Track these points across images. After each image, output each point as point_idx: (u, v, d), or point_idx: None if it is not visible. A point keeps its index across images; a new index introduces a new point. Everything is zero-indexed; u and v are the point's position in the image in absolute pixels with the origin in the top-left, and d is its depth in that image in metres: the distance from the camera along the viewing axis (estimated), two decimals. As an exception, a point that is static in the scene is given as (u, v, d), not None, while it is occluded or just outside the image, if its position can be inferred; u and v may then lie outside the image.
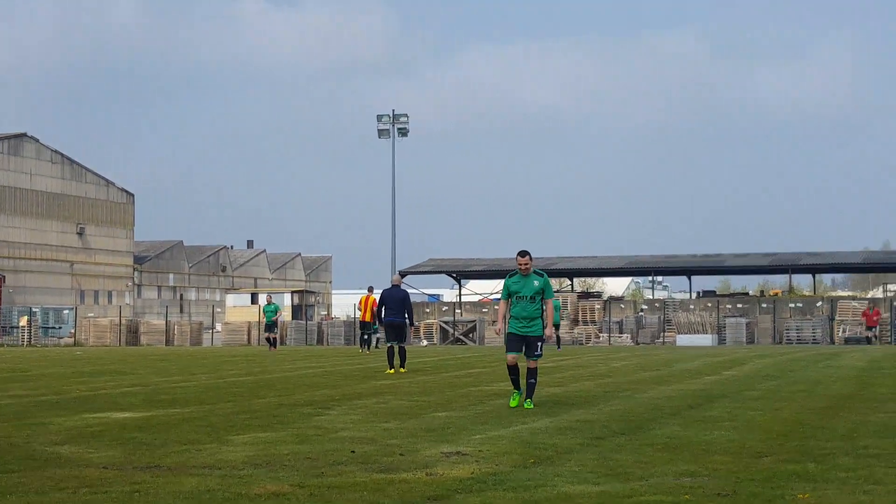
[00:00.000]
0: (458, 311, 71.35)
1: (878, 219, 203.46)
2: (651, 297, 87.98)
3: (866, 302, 67.45)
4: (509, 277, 15.56)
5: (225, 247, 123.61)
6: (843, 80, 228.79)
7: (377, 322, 26.09)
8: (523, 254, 15.27)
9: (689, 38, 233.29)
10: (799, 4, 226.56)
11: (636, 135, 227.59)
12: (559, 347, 48.14)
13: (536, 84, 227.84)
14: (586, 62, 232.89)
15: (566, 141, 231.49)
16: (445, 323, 67.28)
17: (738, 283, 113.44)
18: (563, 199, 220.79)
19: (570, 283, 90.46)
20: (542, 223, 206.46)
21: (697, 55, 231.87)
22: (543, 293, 15.38)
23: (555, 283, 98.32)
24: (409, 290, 28.70)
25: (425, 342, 48.25)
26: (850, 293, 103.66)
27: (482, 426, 12.86)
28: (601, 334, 66.62)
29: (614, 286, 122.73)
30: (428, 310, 72.18)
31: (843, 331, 63.74)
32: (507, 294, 15.57)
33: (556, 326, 48.69)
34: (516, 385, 15.59)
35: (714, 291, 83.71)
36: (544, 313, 15.43)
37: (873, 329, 60.19)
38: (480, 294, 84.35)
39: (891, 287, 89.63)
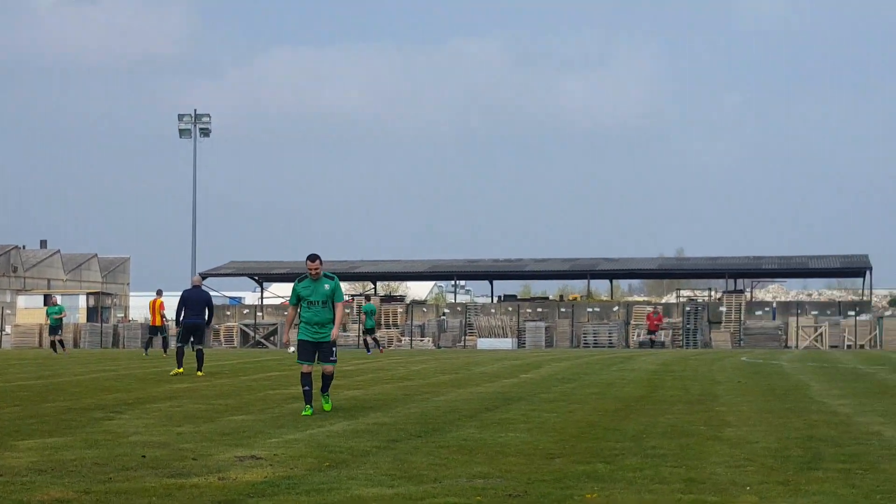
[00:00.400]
0: (259, 314, 70.73)
1: (672, 227, 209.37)
2: (454, 301, 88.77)
3: (659, 307, 69.32)
4: (298, 282, 15.17)
5: (16, 246, 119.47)
6: (641, 91, 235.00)
7: (176, 323, 25.55)
8: (313, 258, 14.88)
9: (493, 45, 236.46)
10: (600, 16, 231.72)
11: (439, 140, 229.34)
12: (381, 349, 48.12)
13: (341, 88, 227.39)
14: (390, 67, 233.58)
15: (370, 145, 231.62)
16: (246, 326, 66.65)
17: (538, 287, 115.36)
18: (367, 203, 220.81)
19: (373, 286, 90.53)
20: (345, 227, 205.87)
21: (502, 63, 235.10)
22: (334, 296, 15.05)
23: (358, 286, 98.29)
24: (210, 293, 28.21)
25: (292, 349, 46.88)
26: (646, 298, 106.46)
27: (278, 430, 12.75)
28: (403, 338, 66.89)
29: (417, 290, 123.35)
30: (229, 312, 71.34)
31: (638, 335, 65.42)
32: (297, 300, 15.24)
33: (372, 330, 48.82)
34: (308, 399, 14.89)
35: (515, 296, 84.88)
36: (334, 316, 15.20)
37: (655, 333, 61.62)
38: (283, 297, 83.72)
39: (684, 293, 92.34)
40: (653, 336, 61.62)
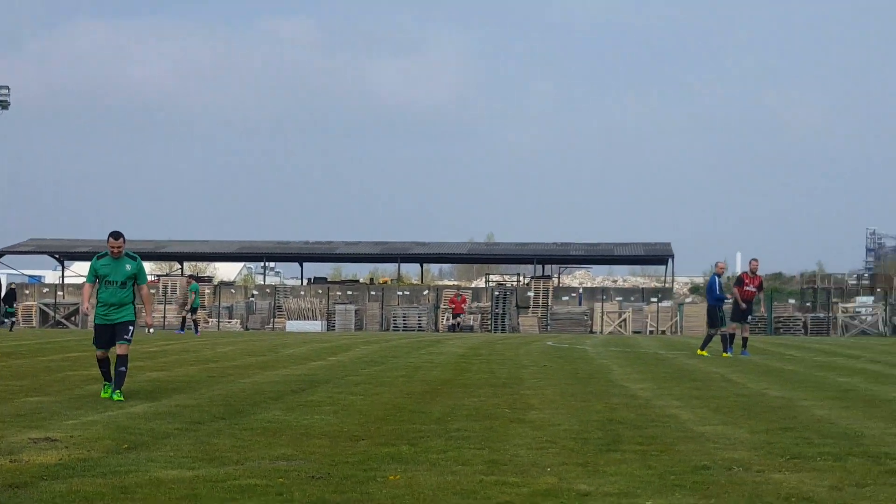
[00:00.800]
0: (60, 293, 68.97)
1: (483, 212, 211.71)
2: (263, 282, 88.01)
3: (461, 291, 70.01)
4: (97, 259, 14.43)
5: None
6: (453, 77, 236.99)
7: None
8: (116, 235, 14.21)
9: (304, 26, 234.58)
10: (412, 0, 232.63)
11: (249, 121, 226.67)
12: (197, 332, 47.37)
13: (147, 64, 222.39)
14: (199, 45, 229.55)
15: (179, 123, 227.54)
16: (46, 305, 64.94)
17: (348, 270, 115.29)
18: (174, 182, 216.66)
19: (180, 267, 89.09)
20: (152, 205, 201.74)
21: (313, 44, 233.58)
22: (136, 278, 14.43)
23: (165, 266, 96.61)
24: (8, 272, 27.38)
25: (152, 330, 45.72)
26: (456, 282, 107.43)
27: (76, 411, 12.44)
28: (210, 319, 66.06)
29: (226, 271, 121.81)
30: (28, 291, 69.34)
31: (447, 319, 65.97)
32: (94, 277, 14.45)
33: (195, 310, 48.40)
34: (107, 377, 14.44)
35: (325, 278, 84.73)
36: (137, 299, 14.59)
37: (459, 316, 62.43)
38: (85, 276, 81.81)
39: (493, 277, 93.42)
40: (457, 320, 62.23)
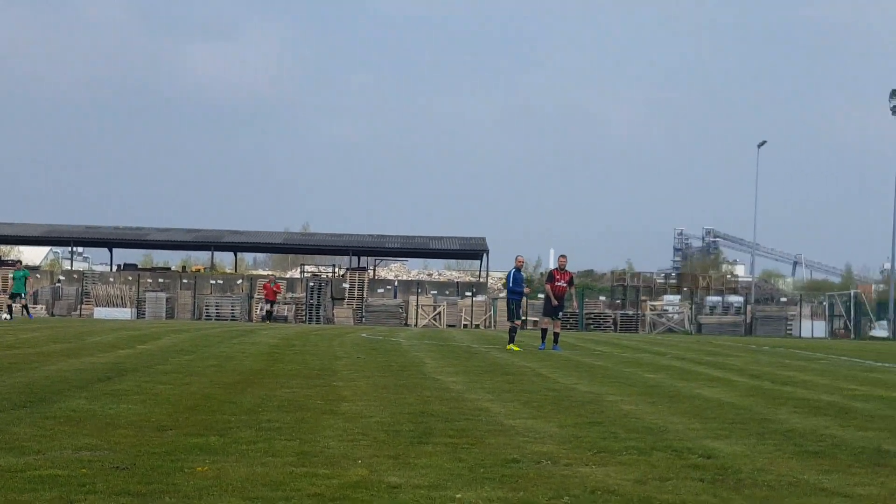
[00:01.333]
0: None
1: (299, 202, 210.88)
2: (70, 268, 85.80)
3: (275, 277, 69.56)
4: None
5: None
6: (270, 65, 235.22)
7: None
8: None
9: (118, 10, 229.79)
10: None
11: (61, 101, 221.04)
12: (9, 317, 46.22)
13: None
14: (14, 26, 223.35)
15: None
16: None
17: (160, 257, 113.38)
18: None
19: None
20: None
21: (128, 29, 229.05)
22: None
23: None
24: None
25: (6, 316, 44.37)
26: (271, 272, 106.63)
27: None
28: (15, 304, 64.14)
29: (31, 255, 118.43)
30: None
31: (261, 308, 65.45)
32: None
33: (19, 295, 47.58)
34: None
35: (136, 265, 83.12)
36: None
37: (273, 304, 60.53)
38: None
39: (308, 268, 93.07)
40: (270, 307, 60.40)
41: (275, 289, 60.41)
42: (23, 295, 47.78)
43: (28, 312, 46.92)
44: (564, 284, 29.35)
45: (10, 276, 48.72)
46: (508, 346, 28.15)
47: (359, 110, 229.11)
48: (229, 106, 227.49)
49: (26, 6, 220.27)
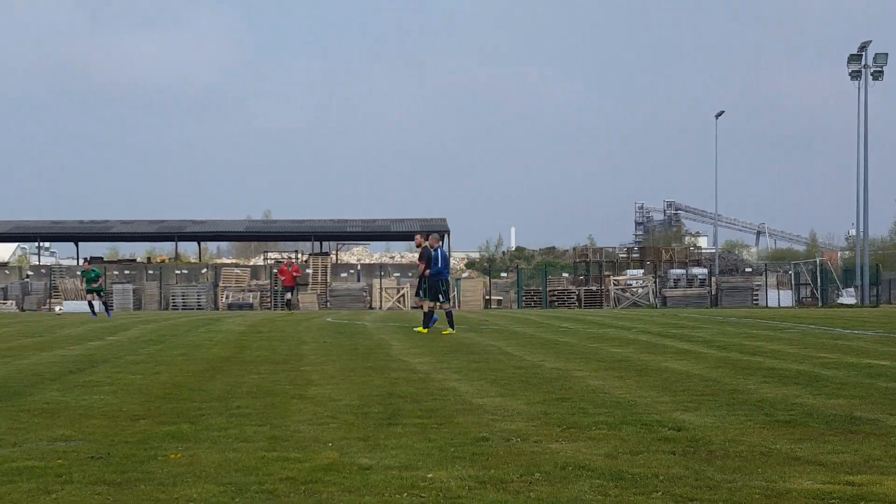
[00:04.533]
0: None
1: (259, 189, 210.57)
2: (38, 262, 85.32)
3: (241, 269, 69.39)
4: None
5: None
6: (219, 53, 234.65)
7: None
8: None
9: (64, 5, 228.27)
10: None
11: (14, 98, 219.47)
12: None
13: None
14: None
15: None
16: None
17: (125, 249, 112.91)
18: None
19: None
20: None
21: (73, 20, 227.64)
22: None
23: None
24: None
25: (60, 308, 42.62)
26: (234, 260, 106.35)
27: None
28: (-20, 300, 63.83)
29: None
30: None
31: (227, 297, 65.34)
32: None
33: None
34: None
35: (102, 258, 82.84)
36: None
37: (292, 290, 52.31)
38: None
39: (271, 255, 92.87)
40: (290, 296, 52.72)
41: (293, 272, 51.58)
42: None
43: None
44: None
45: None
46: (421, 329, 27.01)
47: (308, 94, 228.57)
48: (182, 96, 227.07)
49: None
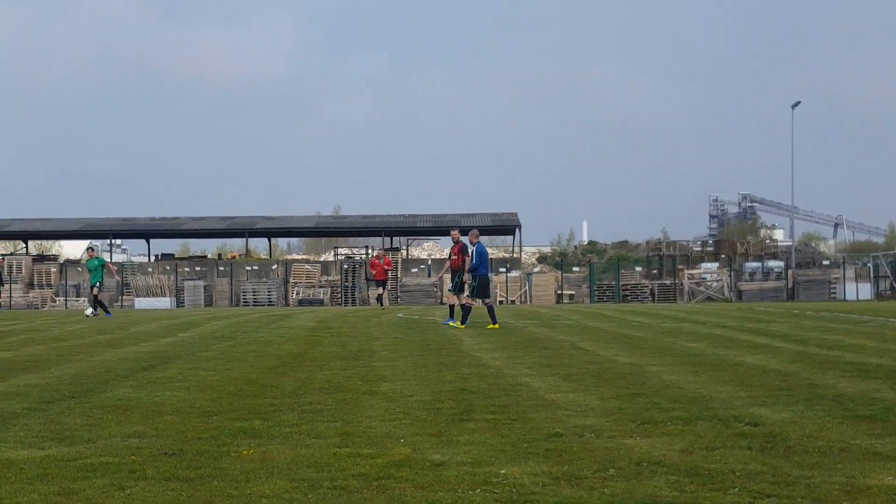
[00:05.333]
0: None
1: (329, 185, 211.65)
2: (110, 260, 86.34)
3: (381, 252, 69.66)
4: None
5: None
6: (287, 48, 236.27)
7: None
8: None
9: (133, 3, 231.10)
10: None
11: (85, 96, 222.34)
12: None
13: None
14: (25, 22, 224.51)
15: (10, 100, 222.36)
16: None
17: (196, 246, 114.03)
18: (11, 159, 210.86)
19: (24, 246, 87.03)
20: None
21: (142, 18, 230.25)
22: None
23: (9, 245, 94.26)
24: None
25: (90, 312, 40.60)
26: (305, 256, 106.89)
27: (-82, 394, 12.07)
28: (58, 298, 64.69)
29: (71, 249, 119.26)
30: None
31: (297, 293, 65.64)
32: None
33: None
34: None
35: (173, 255, 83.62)
36: None
37: (384, 284, 48.78)
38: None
39: (341, 251, 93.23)
40: (381, 290, 48.87)
41: (385, 265, 47.76)
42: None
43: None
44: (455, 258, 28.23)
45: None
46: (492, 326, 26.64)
47: (377, 88, 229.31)
48: (251, 92, 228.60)
49: (43, 3, 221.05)
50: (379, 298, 49.41)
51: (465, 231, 31.92)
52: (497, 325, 26.58)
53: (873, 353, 16.70)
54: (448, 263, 28.98)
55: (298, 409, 10.39)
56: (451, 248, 28.87)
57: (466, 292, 27.71)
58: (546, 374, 13.81)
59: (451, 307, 28.51)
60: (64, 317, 40.42)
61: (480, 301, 28.15)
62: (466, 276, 27.58)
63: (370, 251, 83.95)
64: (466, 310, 27.46)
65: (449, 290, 29.88)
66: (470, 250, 27.60)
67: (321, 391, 12.02)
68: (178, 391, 12.15)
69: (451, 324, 27.34)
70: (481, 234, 31.83)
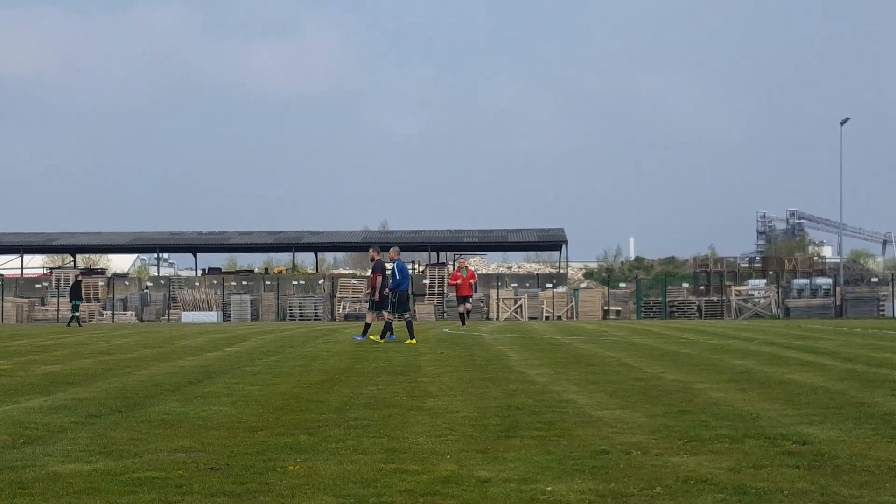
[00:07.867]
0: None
1: (376, 200, 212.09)
2: (157, 273, 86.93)
3: (358, 280, 69.80)
4: None
5: None
6: (334, 63, 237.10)
7: None
8: None
9: (178, 13, 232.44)
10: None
11: (132, 110, 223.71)
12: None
13: (19, 52, 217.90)
14: (73, 33, 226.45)
15: (55, 113, 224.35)
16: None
17: (243, 260, 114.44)
18: (59, 174, 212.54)
19: (72, 259, 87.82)
20: (39, 197, 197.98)
21: (188, 31, 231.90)
22: None
23: (57, 259, 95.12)
24: None
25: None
26: (351, 271, 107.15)
27: (-32, 407, 12.18)
28: (105, 312, 65.15)
29: (119, 263, 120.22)
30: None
31: (344, 307, 65.78)
32: None
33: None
34: None
35: (220, 269, 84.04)
36: None
37: (468, 299, 43.29)
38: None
39: (388, 266, 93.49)
40: (466, 304, 43.37)
41: (469, 279, 42.35)
42: None
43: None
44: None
45: None
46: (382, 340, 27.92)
47: (425, 103, 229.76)
48: (297, 105, 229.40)
49: (94, 16, 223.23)
50: (463, 316, 43.29)
51: (385, 248, 33.00)
52: (415, 341, 27.14)
53: (924, 372, 16.52)
54: (369, 282, 29.91)
55: (344, 425, 10.39)
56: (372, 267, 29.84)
57: (388, 308, 28.59)
58: (592, 391, 13.75)
59: (388, 323, 28.89)
60: (112, 330, 40.70)
61: (398, 316, 28.89)
62: (387, 292, 28.54)
63: (417, 266, 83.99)
64: (387, 325, 28.46)
65: (368, 310, 30.73)
66: (390, 267, 28.76)
67: (367, 406, 12.02)
68: (224, 406, 12.19)
69: (376, 339, 28.13)
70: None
